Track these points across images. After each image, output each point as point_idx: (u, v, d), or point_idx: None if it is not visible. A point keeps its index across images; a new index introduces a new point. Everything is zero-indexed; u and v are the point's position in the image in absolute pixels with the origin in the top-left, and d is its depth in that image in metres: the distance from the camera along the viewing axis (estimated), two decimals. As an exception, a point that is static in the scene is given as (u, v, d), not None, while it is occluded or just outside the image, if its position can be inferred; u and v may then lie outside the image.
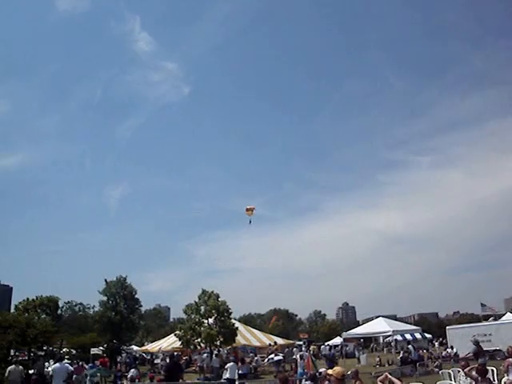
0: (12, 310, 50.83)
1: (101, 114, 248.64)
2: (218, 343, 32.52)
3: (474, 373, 11.76)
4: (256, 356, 37.08)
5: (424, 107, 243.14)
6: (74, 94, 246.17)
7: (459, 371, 15.17)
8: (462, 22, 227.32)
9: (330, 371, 9.91)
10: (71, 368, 20.03)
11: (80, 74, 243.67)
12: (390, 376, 9.24)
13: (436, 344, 54.59)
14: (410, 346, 36.70)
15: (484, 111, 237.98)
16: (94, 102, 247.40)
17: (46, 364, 24.76)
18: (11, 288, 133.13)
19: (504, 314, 55.07)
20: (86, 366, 28.29)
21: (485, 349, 27.11)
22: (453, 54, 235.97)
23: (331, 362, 30.45)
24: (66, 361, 26.01)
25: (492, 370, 14.87)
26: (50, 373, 15.46)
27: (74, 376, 22.54)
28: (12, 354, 25.04)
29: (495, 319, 47.92)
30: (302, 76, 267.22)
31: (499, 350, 31.56)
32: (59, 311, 51.63)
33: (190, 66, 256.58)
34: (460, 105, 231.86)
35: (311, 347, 46.72)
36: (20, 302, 48.44)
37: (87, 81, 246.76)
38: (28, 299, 47.80)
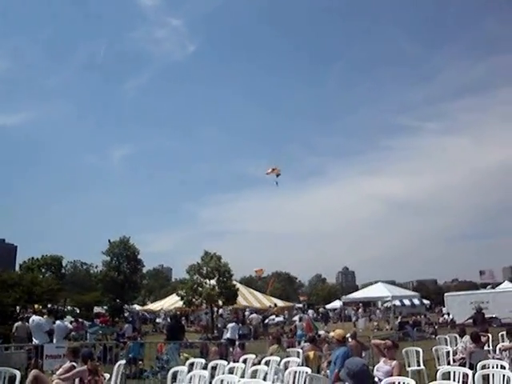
0: (17, 269, 51.57)
1: (105, 72, 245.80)
2: (220, 303, 33.03)
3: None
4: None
5: (433, 72, 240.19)
6: (78, 51, 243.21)
7: (455, 337, 15.46)
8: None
9: (331, 333, 10.16)
10: (70, 326, 20.50)
11: (83, 30, 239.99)
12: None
13: (435, 310, 55.37)
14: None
15: (495, 78, 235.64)
16: (98, 60, 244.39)
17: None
18: (16, 247, 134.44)
19: (502, 283, 55.78)
20: (86, 324, 28.78)
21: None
22: (465, 17, 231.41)
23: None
24: (67, 319, 26.67)
25: (487, 337, 15.11)
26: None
27: (72, 333, 22.98)
28: (18, 311, 25.52)
29: (493, 287, 48.43)
30: (311, 37, 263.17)
31: (495, 318, 32.09)
32: (63, 270, 52.34)
33: (195, 23, 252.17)
34: (471, 70, 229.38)
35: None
36: (25, 261, 49.18)
37: (90, 37, 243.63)
38: (32, 258, 48.46)
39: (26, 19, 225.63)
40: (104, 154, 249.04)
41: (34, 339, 14.24)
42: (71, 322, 25.62)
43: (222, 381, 8.87)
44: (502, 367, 8.47)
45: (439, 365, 12.15)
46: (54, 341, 14.16)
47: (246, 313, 36.66)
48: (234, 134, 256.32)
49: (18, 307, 25.66)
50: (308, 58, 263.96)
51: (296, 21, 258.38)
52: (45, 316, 15.47)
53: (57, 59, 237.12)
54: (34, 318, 14.81)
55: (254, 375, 10.00)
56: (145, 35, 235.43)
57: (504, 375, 7.76)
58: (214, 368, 10.84)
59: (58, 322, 15.39)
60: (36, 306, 26.23)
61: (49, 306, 26.61)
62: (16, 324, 17.54)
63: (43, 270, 47.30)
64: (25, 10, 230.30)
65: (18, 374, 9.33)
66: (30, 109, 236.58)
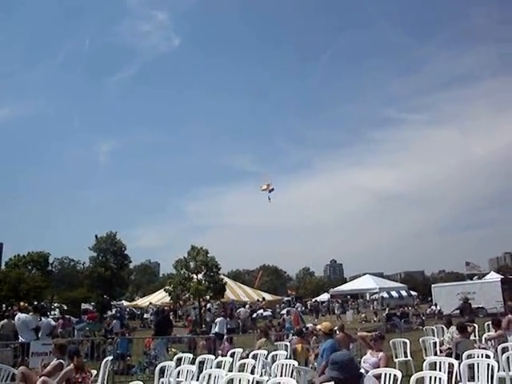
0: (2, 267, 51.14)
1: (90, 66, 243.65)
2: (208, 298, 33.00)
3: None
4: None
5: (420, 63, 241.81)
6: (62, 45, 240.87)
7: (442, 328, 15.57)
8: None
9: (318, 326, 10.19)
10: (54, 323, 20.33)
11: (67, 25, 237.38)
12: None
13: (418, 300, 55.73)
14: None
15: (481, 69, 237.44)
16: (83, 54, 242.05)
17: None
18: (1, 244, 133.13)
19: (488, 273, 56.28)
20: (74, 321, 28.58)
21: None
22: (452, 9, 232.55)
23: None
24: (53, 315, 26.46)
25: (473, 327, 15.24)
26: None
27: (59, 330, 22.83)
28: (4, 308, 25.32)
29: (479, 278, 48.86)
30: (298, 30, 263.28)
31: (482, 308, 32.44)
32: (49, 267, 51.98)
33: (180, 16, 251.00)
34: (457, 62, 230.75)
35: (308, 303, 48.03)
36: (10, 259, 48.74)
37: (75, 32, 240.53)
38: (18, 255, 48.04)
39: (6, 13, 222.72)
40: (90, 149, 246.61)
41: (20, 337, 14.12)
42: (58, 319, 25.40)
43: (209, 375, 8.87)
44: (487, 356, 8.54)
45: (426, 355, 12.22)
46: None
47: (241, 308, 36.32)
48: (219, 128, 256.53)
49: (3, 305, 25.47)
50: (294, 51, 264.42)
51: (282, 13, 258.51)
52: (30, 313, 15.36)
53: (40, 54, 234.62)
54: (20, 315, 14.66)
55: (241, 369, 10.01)
56: (130, 29, 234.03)
57: (489, 364, 7.84)
58: (201, 362, 10.83)
59: (43, 318, 15.30)
60: (22, 303, 26.05)
61: (35, 303, 26.42)
62: (2, 322, 17.39)
63: (29, 267, 46.93)
64: (6, 2, 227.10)
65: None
66: (12, 104, 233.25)
